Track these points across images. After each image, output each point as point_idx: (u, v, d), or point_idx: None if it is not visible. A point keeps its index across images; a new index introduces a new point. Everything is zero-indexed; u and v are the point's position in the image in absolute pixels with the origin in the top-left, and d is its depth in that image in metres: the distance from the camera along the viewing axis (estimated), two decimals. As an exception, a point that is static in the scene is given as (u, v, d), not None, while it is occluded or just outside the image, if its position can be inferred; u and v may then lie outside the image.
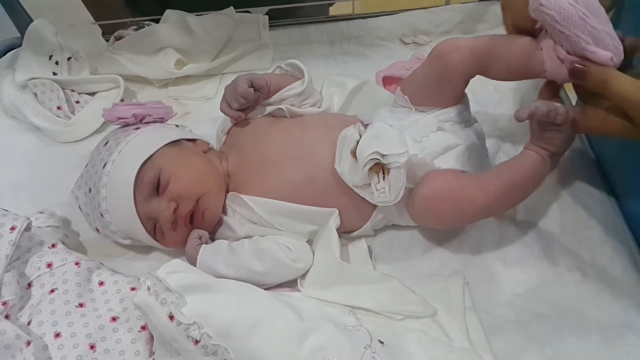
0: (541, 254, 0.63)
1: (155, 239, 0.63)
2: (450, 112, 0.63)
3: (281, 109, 0.68)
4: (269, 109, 0.69)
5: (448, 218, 0.60)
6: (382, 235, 0.67)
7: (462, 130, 0.64)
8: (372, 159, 0.55)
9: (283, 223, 0.62)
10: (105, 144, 0.64)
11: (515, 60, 0.55)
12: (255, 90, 0.66)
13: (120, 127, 0.67)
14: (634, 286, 0.60)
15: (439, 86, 0.62)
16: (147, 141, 0.63)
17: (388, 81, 0.83)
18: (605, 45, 0.47)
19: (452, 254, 0.64)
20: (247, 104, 0.66)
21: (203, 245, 0.61)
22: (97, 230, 0.65)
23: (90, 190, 0.62)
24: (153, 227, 0.62)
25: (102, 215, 0.61)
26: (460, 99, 0.64)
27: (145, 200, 0.60)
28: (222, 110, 0.68)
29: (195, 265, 0.59)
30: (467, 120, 0.65)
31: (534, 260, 0.63)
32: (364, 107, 0.76)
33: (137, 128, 0.65)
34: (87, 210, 0.64)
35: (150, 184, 0.60)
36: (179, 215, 0.61)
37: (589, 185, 0.69)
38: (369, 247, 0.65)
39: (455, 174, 0.60)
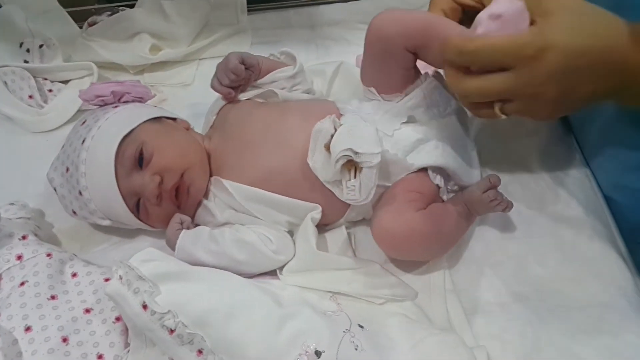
0: (521, 234, 0.63)
1: (139, 218, 0.61)
2: (418, 96, 0.60)
3: (273, 91, 0.67)
4: (259, 90, 0.68)
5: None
6: (362, 222, 0.66)
7: (436, 119, 0.61)
8: (345, 155, 0.53)
9: (261, 211, 0.60)
10: (83, 122, 0.63)
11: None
12: (246, 68, 0.65)
13: (98, 107, 0.65)
14: (614, 266, 0.60)
15: (386, 65, 0.59)
16: (127, 117, 0.62)
17: (368, 64, 0.81)
18: None
19: (433, 238, 0.64)
20: (237, 80, 0.65)
21: (184, 230, 0.59)
22: (74, 212, 0.63)
23: (67, 170, 0.60)
24: (136, 204, 0.60)
25: (80, 193, 0.59)
26: (419, 79, 0.61)
27: (127, 175, 0.59)
28: (212, 87, 0.67)
29: (174, 250, 0.58)
30: (439, 105, 0.62)
31: (514, 241, 0.63)
32: (343, 90, 0.75)
33: (116, 107, 0.64)
34: (64, 192, 0.62)
35: (133, 158, 0.58)
36: (163, 189, 0.59)
37: (568, 166, 0.69)
38: (348, 233, 0.64)
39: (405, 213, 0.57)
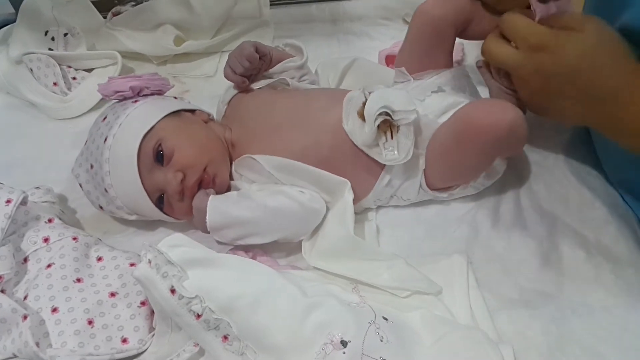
0: (545, 233, 0.63)
1: (163, 211, 0.61)
2: (447, 75, 0.65)
3: (284, 79, 0.68)
4: (270, 80, 0.68)
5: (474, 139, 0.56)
6: (385, 215, 0.66)
7: (464, 93, 0.65)
8: (382, 113, 0.55)
9: (290, 180, 0.61)
10: (104, 118, 0.63)
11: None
12: (259, 57, 0.65)
13: (117, 102, 0.65)
14: (639, 266, 0.59)
15: (429, 44, 0.65)
16: (147, 113, 0.62)
17: (391, 60, 0.82)
18: None
19: (455, 234, 0.64)
20: (251, 69, 0.66)
21: (211, 195, 0.59)
22: (101, 207, 0.63)
23: (92, 167, 0.61)
24: (160, 199, 0.61)
25: (106, 190, 0.60)
26: (452, 62, 0.67)
27: (149, 172, 0.59)
28: (225, 76, 0.67)
29: (205, 220, 0.57)
30: (466, 89, 0.66)
31: (537, 240, 0.62)
32: (358, 83, 0.75)
33: (136, 101, 0.64)
34: (89, 188, 0.63)
35: (154, 156, 0.59)
36: (186, 185, 0.60)
37: (592, 166, 0.68)
38: (376, 226, 0.64)
39: None
